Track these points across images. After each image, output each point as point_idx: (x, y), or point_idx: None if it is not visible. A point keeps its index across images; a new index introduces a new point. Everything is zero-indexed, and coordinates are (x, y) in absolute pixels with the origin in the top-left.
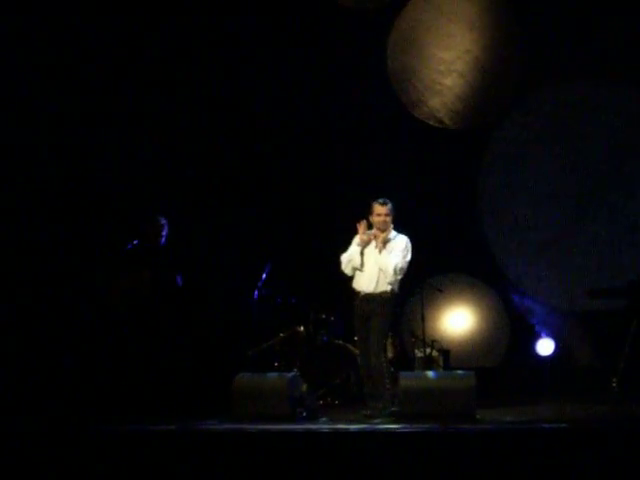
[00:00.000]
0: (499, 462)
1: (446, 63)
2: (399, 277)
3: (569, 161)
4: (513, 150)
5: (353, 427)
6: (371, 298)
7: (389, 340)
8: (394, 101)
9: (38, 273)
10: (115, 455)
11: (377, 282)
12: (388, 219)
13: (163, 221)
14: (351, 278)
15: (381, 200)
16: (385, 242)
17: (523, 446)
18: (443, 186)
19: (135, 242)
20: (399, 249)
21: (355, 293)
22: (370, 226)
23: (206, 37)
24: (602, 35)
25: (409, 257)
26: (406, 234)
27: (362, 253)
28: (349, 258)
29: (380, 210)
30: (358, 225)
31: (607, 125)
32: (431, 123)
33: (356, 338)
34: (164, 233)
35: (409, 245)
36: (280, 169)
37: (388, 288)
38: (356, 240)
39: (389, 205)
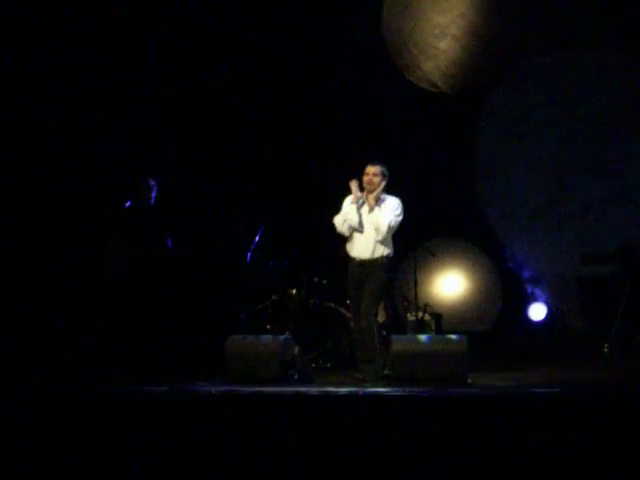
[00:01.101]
0: (490, 426)
1: (441, 27)
2: (388, 235)
3: (564, 126)
4: (508, 115)
5: (344, 390)
6: (366, 263)
7: (381, 304)
8: (389, 64)
9: (31, 237)
10: (108, 415)
11: (373, 248)
12: (376, 179)
13: (152, 182)
14: (344, 242)
15: (372, 161)
16: (376, 200)
17: (514, 410)
18: (437, 150)
19: (128, 203)
20: (391, 208)
21: (350, 259)
22: (362, 187)
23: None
24: (598, 1)
25: (401, 217)
26: (400, 198)
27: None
28: (344, 217)
29: (369, 170)
30: (350, 183)
31: (603, 91)
32: (426, 87)
33: (349, 302)
34: (153, 194)
35: (401, 206)
36: (274, 132)
37: (384, 253)
38: (349, 200)
39: (379, 166)
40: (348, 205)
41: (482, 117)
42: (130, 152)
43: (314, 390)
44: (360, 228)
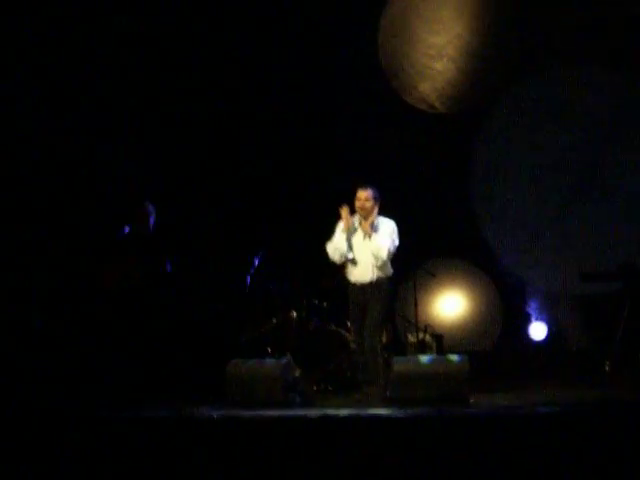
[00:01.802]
0: (493, 446)
1: (437, 47)
2: (387, 260)
3: (561, 144)
4: (504, 134)
5: (346, 412)
6: (367, 287)
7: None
8: (385, 86)
9: (30, 262)
10: (108, 441)
11: (372, 272)
12: (368, 204)
13: (151, 207)
14: (342, 265)
15: (363, 185)
16: (372, 226)
17: (517, 430)
18: (435, 171)
19: (126, 229)
20: (387, 233)
21: (350, 283)
22: (353, 211)
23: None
24: (592, 20)
25: (397, 241)
26: (399, 218)
27: (350, 242)
28: (335, 246)
29: (360, 195)
30: (340, 210)
31: (599, 108)
32: (422, 107)
33: (349, 324)
34: (152, 219)
35: (396, 229)
36: (271, 155)
37: (384, 275)
38: (340, 226)
39: (370, 190)
40: (339, 233)
41: (479, 137)
42: (128, 177)
43: (316, 413)
44: (351, 257)
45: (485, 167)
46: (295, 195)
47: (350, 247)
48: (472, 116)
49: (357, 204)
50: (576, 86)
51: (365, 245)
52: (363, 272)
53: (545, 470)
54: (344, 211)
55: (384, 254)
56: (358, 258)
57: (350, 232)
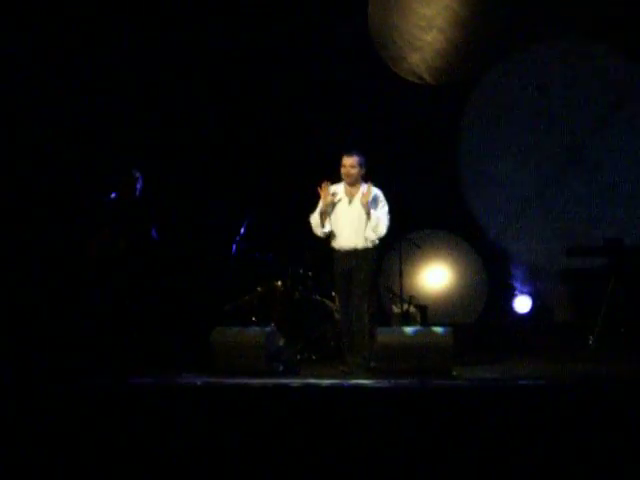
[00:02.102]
0: (475, 419)
1: (426, 19)
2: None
3: (549, 118)
4: (493, 107)
5: (328, 382)
6: (352, 253)
7: None
8: (374, 57)
9: (16, 231)
10: (91, 408)
11: (357, 237)
12: (354, 171)
13: (137, 174)
14: (326, 238)
15: (348, 151)
16: (369, 204)
17: (499, 403)
18: (422, 142)
19: (113, 195)
20: (379, 206)
21: (334, 250)
22: (339, 178)
23: None
24: None
25: (387, 207)
26: (385, 189)
27: (333, 211)
28: (315, 224)
29: (345, 161)
30: (319, 190)
31: (587, 83)
32: (411, 79)
33: (334, 294)
34: (138, 186)
35: (382, 196)
36: (259, 123)
37: (369, 242)
38: (320, 204)
39: (355, 157)
40: (316, 215)
41: (467, 108)
42: (116, 144)
43: (299, 382)
44: (328, 230)
45: (473, 140)
46: (282, 163)
47: (329, 215)
48: (461, 88)
49: (343, 170)
50: (565, 61)
51: (350, 211)
52: (348, 238)
53: (527, 443)
54: (323, 190)
55: (383, 230)
56: (343, 224)
57: (329, 207)
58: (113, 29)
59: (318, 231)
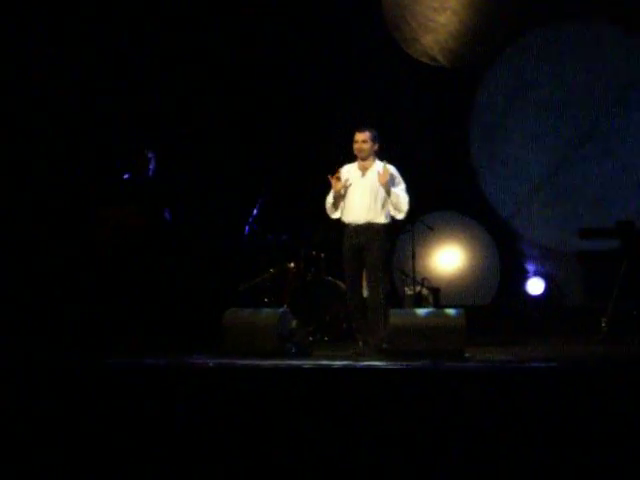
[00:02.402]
0: (488, 401)
1: (440, 0)
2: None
3: (563, 101)
4: (506, 89)
5: (342, 363)
6: (363, 229)
7: None
8: (388, 38)
9: (27, 209)
10: (105, 389)
11: (369, 212)
12: (366, 146)
13: (150, 154)
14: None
15: (360, 128)
16: (385, 183)
17: (512, 385)
18: (436, 124)
19: (126, 176)
20: (397, 182)
21: (345, 225)
22: (354, 156)
23: None
24: None
25: (403, 183)
26: (400, 171)
27: (346, 190)
28: (329, 207)
29: (358, 137)
30: (330, 178)
31: (601, 66)
32: (424, 60)
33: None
34: (151, 167)
35: (397, 171)
36: (272, 105)
37: (381, 219)
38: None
39: (367, 132)
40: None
41: (480, 90)
42: (129, 124)
43: (311, 363)
44: (338, 216)
45: (486, 121)
46: (295, 145)
47: (343, 198)
48: (474, 70)
49: (355, 146)
50: (579, 42)
51: (362, 185)
52: (359, 213)
53: (540, 426)
54: (334, 179)
55: (405, 206)
56: (354, 199)
57: (341, 192)
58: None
59: (331, 214)
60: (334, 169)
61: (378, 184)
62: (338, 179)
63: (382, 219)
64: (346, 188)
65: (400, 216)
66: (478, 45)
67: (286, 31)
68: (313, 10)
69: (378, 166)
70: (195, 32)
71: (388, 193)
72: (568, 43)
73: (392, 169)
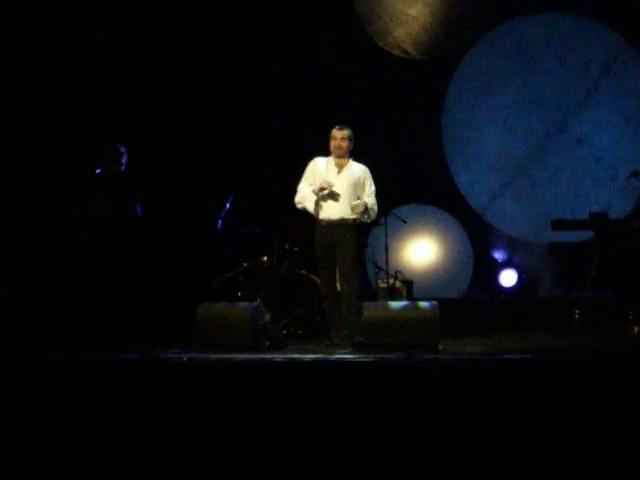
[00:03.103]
0: (461, 393)
1: None
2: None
3: (534, 94)
4: (478, 82)
5: (314, 357)
6: (336, 225)
7: None
8: (359, 31)
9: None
10: (77, 383)
11: (342, 209)
12: (344, 144)
13: (123, 149)
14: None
15: (339, 125)
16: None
17: (486, 377)
18: (408, 117)
19: (98, 170)
20: (368, 185)
21: (317, 221)
22: (328, 152)
23: None
24: None
25: (374, 187)
26: (372, 163)
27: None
28: (302, 200)
29: (336, 134)
30: (318, 190)
31: (572, 59)
32: (396, 53)
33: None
34: (124, 161)
35: (369, 174)
36: (244, 98)
37: (354, 215)
38: (312, 187)
39: (346, 131)
40: (307, 189)
41: (452, 83)
42: (101, 119)
43: (284, 357)
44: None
45: (458, 114)
46: (267, 138)
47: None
48: (446, 62)
49: (333, 143)
50: (550, 34)
51: (337, 183)
52: (333, 209)
53: (513, 416)
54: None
55: (374, 215)
56: (329, 195)
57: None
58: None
59: (300, 206)
60: (304, 162)
61: (353, 182)
62: (323, 189)
63: (355, 215)
64: (325, 188)
65: (368, 221)
66: (450, 38)
67: (258, 27)
68: (285, 4)
69: (353, 165)
70: (165, 28)
71: (363, 212)
72: (539, 35)
73: (364, 170)
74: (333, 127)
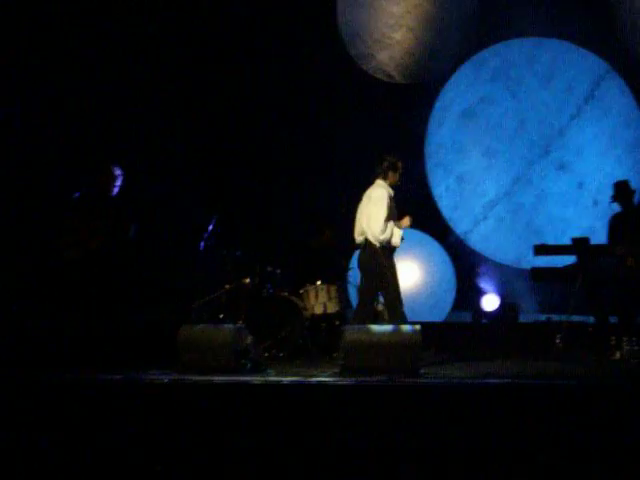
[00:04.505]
0: (442, 417)
1: (395, 17)
2: None
3: (518, 118)
4: (461, 106)
5: (296, 379)
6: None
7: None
8: (343, 54)
9: None
10: (60, 404)
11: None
12: None
13: (118, 172)
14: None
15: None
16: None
17: (467, 401)
18: (391, 139)
19: (81, 192)
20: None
21: (392, 248)
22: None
23: None
24: None
25: None
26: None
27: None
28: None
29: (401, 166)
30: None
31: (556, 84)
32: (380, 77)
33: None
34: (118, 184)
35: None
36: (228, 121)
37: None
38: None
39: None
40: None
41: (436, 107)
42: (98, 140)
43: (265, 379)
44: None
45: (441, 138)
46: (250, 162)
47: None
48: (429, 87)
49: (399, 175)
50: (533, 59)
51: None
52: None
53: (493, 440)
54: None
55: None
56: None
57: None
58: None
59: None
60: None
61: None
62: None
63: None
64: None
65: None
66: (433, 62)
67: (242, 49)
68: (268, 27)
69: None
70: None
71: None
72: (523, 60)
73: None
74: (398, 159)
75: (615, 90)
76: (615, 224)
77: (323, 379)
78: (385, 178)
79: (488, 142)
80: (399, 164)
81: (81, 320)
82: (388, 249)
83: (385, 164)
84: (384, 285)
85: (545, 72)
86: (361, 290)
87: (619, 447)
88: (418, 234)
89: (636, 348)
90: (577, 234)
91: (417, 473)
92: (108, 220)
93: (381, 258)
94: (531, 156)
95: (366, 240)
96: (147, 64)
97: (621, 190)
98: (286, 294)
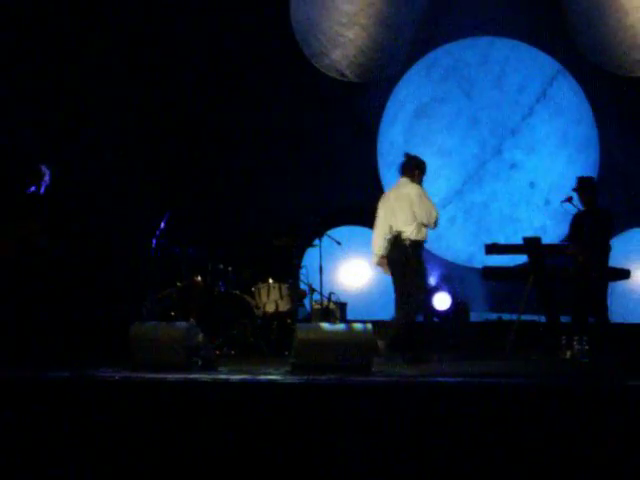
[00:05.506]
0: (393, 416)
1: (349, 15)
2: None
3: (470, 118)
4: (414, 105)
5: (245, 377)
6: None
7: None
8: (296, 53)
9: None
10: (7, 402)
11: None
12: None
13: (45, 169)
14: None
15: None
16: None
17: (418, 400)
18: (344, 139)
19: (32, 189)
20: None
21: (423, 243)
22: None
23: None
24: None
25: None
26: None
27: None
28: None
29: None
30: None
31: (508, 83)
32: (333, 75)
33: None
34: (44, 182)
35: None
36: (180, 118)
37: None
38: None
39: None
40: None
41: (388, 106)
42: (24, 140)
43: (214, 377)
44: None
45: (394, 137)
46: (202, 158)
47: None
48: (382, 86)
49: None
50: (486, 60)
51: None
52: None
53: (443, 439)
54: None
55: None
56: None
57: None
58: None
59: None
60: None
61: None
62: None
63: None
64: None
65: None
66: (386, 61)
67: (194, 44)
68: (221, 26)
69: None
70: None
71: None
72: (475, 59)
73: None
74: (422, 161)
75: (567, 89)
76: (577, 222)
77: (273, 377)
78: (412, 177)
79: (440, 141)
80: (425, 164)
81: (27, 317)
82: (418, 244)
83: (413, 163)
84: (411, 278)
85: (497, 71)
86: (395, 286)
87: (567, 447)
88: (370, 232)
89: (587, 347)
90: (529, 233)
91: (366, 472)
92: (33, 219)
93: (411, 252)
94: (483, 155)
95: (395, 237)
96: (90, 56)
97: (584, 186)
98: (238, 292)
